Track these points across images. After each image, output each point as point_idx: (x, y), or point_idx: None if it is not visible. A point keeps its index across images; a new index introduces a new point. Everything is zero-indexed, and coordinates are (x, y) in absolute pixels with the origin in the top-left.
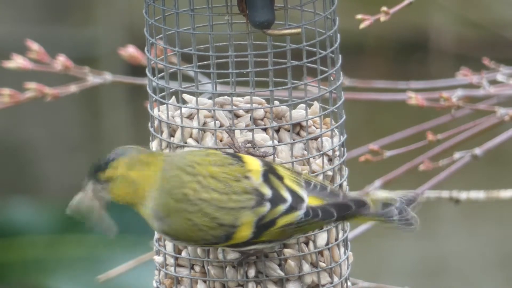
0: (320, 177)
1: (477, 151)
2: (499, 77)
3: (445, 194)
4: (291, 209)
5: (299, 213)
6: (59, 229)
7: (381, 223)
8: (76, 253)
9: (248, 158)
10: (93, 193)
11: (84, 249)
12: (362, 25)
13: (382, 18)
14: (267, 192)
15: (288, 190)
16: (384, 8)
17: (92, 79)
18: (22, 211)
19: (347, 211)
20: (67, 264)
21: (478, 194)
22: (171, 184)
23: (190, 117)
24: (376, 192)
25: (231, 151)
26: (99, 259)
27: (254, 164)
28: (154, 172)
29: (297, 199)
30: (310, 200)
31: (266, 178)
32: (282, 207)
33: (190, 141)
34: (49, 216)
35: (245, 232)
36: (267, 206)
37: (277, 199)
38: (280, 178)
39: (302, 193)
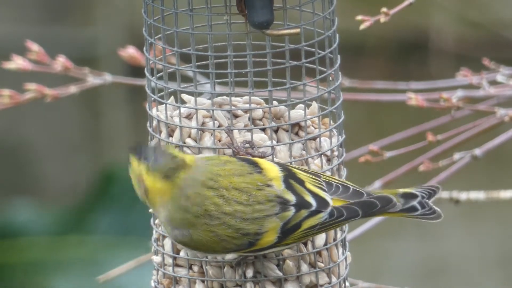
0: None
1: (477, 151)
2: (499, 77)
3: (445, 194)
4: (316, 212)
5: (324, 214)
6: (60, 231)
7: (403, 217)
8: (77, 255)
9: (264, 164)
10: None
11: (85, 251)
12: (362, 26)
13: (382, 19)
14: (291, 198)
15: (311, 194)
16: (384, 9)
17: (92, 80)
18: (23, 213)
19: (372, 209)
20: (68, 266)
21: (478, 195)
22: (190, 201)
23: (188, 117)
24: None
25: (229, 151)
26: (100, 260)
27: (272, 170)
28: (173, 188)
29: (322, 203)
30: (334, 203)
31: (287, 184)
32: (306, 212)
33: (188, 141)
34: (50, 217)
35: (270, 237)
36: (292, 210)
37: (301, 204)
38: (301, 182)
39: (326, 196)
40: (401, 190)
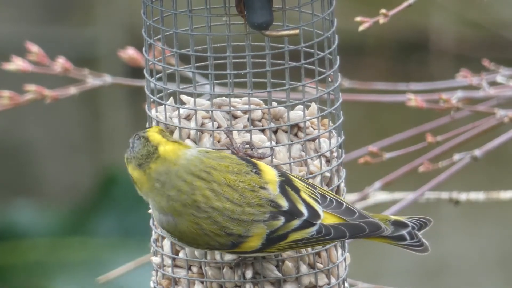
0: (343, 192)
1: (477, 152)
2: (499, 78)
3: (444, 195)
4: (305, 224)
5: (312, 230)
6: (62, 232)
7: (391, 244)
8: (78, 256)
9: (263, 166)
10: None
11: (87, 252)
12: (361, 27)
13: (381, 20)
14: (284, 204)
15: (304, 204)
16: (383, 11)
17: (92, 81)
18: (25, 214)
19: (360, 233)
20: (69, 267)
21: (478, 195)
22: (177, 190)
23: (188, 118)
24: (389, 216)
25: (228, 151)
26: (102, 262)
27: (270, 174)
28: (146, 178)
29: (313, 214)
30: (325, 216)
31: (282, 190)
32: (296, 222)
33: (187, 142)
34: (52, 219)
35: (254, 243)
36: (281, 220)
37: (293, 212)
38: (297, 190)
39: (318, 208)
40: (393, 218)
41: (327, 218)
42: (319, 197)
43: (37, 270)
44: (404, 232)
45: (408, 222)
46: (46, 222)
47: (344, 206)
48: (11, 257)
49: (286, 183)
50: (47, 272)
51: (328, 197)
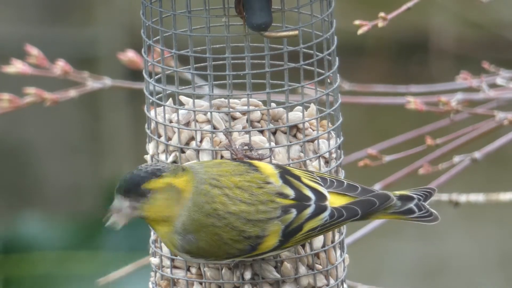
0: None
1: (477, 154)
2: (499, 80)
3: (444, 197)
4: (317, 210)
5: (325, 215)
6: (70, 245)
7: (400, 219)
8: (86, 270)
9: (258, 163)
10: (130, 211)
11: (94, 266)
12: (360, 31)
13: (380, 24)
14: (290, 192)
15: (308, 188)
16: (382, 14)
17: (92, 84)
18: (33, 227)
19: (371, 208)
20: (77, 280)
21: (477, 197)
22: (203, 198)
23: (188, 125)
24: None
25: (227, 154)
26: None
27: (267, 168)
28: (191, 180)
29: (320, 196)
30: (331, 197)
31: (284, 180)
32: (308, 210)
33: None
34: (60, 232)
35: (272, 241)
36: (293, 212)
37: (301, 198)
38: (297, 177)
39: (323, 190)
40: (398, 193)
41: (335, 199)
42: (319, 180)
43: (44, 283)
44: (411, 205)
45: (414, 195)
46: (54, 235)
47: (346, 183)
48: (19, 270)
49: (285, 173)
50: (55, 285)
51: (328, 178)
